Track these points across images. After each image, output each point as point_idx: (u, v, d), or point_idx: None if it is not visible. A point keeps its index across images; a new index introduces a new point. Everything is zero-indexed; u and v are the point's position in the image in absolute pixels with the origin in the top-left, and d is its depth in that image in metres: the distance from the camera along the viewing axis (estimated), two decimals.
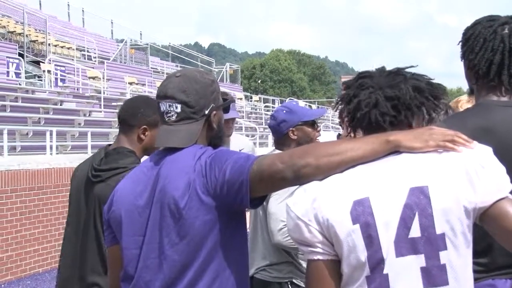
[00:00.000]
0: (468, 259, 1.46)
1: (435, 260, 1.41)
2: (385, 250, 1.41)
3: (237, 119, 3.86)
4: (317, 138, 3.07)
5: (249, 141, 4.96)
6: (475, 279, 1.83)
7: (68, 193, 2.74)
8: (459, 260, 1.43)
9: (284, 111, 3.04)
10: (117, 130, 2.70)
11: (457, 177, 1.43)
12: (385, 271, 1.41)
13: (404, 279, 1.41)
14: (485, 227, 1.48)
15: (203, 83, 1.83)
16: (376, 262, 1.41)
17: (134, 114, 2.54)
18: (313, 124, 3.04)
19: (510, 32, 1.94)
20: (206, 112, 1.82)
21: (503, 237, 1.45)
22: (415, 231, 1.41)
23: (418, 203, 1.42)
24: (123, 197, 1.82)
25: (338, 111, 1.66)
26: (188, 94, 1.80)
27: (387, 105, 1.53)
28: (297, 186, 1.56)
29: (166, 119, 1.81)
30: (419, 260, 1.41)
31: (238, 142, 4.15)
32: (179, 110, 1.79)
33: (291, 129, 2.98)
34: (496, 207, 1.43)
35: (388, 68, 1.64)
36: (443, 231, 1.41)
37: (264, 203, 2.83)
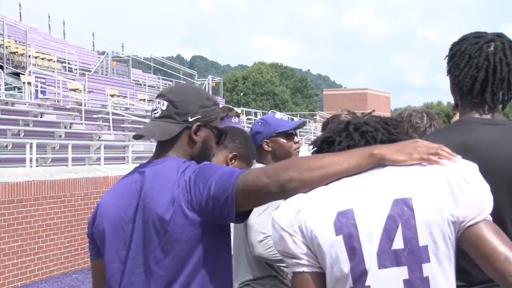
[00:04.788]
0: (450, 273, 1.45)
1: (418, 273, 1.41)
2: (367, 262, 1.40)
3: None
4: (297, 149, 3.06)
5: None
6: None
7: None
8: (442, 273, 1.43)
9: (260, 123, 3.05)
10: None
11: (440, 190, 1.43)
12: (367, 283, 1.40)
13: None
14: (465, 250, 1.47)
15: (198, 94, 1.87)
16: (359, 274, 1.40)
17: None
18: (289, 135, 3.03)
19: (496, 49, 1.95)
20: (189, 119, 1.81)
21: (480, 262, 1.44)
22: (398, 243, 1.41)
23: (401, 214, 1.41)
24: (106, 211, 1.81)
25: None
26: (177, 95, 1.83)
27: (376, 125, 1.57)
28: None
29: (152, 115, 1.85)
30: (401, 272, 1.40)
31: None
32: (164, 107, 1.82)
33: (265, 140, 2.97)
34: (475, 230, 1.43)
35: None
36: (426, 243, 1.41)
37: None
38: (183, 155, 1.81)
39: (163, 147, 1.83)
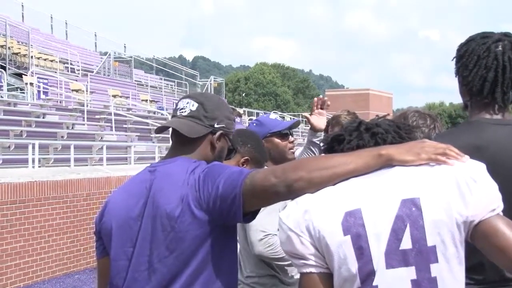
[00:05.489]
0: (459, 274, 1.44)
1: (426, 273, 1.40)
2: (375, 262, 1.40)
3: None
4: (291, 149, 3.08)
5: None
6: None
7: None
8: (450, 274, 1.42)
9: (254, 124, 3.10)
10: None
11: (449, 189, 1.43)
12: (375, 283, 1.40)
13: None
14: (476, 245, 1.46)
15: (225, 105, 1.95)
16: (367, 274, 1.40)
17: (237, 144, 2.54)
18: (283, 135, 3.06)
19: (504, 49, 1.94)
20: (216, 125, 1.85)
21: (495, 255, 1.44)
22: (406, 243, 1.40)
23: (409, 214, 1.41)
24: (115, 208, 1.84)
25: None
26: (209, 100, 1.89)
27: (388, 128, 1.58)
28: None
29: (178, 114, 1.87)
30: (409, 273, 1.40)
31: None
32: (194, 108, 1.86)
33: None
34: (487, 224, 1.42)
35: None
36: (434, 244, 1.40)
37: None
38: (197, 157, 1.82)
39: (179, 148, 1.85)
